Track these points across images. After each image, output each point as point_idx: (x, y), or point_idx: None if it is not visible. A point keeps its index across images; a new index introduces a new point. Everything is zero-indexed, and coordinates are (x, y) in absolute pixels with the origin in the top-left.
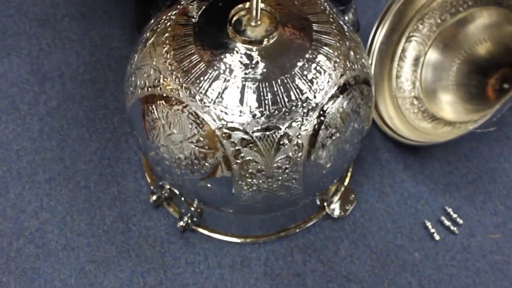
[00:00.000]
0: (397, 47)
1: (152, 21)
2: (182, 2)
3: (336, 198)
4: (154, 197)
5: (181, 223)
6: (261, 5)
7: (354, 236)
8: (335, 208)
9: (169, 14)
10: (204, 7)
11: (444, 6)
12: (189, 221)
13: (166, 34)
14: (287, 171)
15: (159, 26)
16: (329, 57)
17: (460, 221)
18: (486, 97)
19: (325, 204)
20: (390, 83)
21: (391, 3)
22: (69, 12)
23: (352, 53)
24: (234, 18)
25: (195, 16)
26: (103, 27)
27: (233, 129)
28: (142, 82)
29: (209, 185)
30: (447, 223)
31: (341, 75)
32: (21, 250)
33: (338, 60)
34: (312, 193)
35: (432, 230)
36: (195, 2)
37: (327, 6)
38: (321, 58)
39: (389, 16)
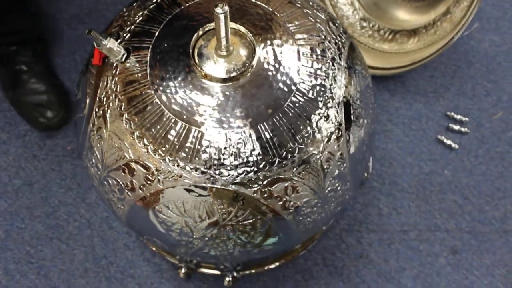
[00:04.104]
0: None
1: (87, 101)
2: (114, 63)
3: None
4: (184, 270)
5: (228, 279)
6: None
7: (386, 188)
8: None
9: (106, 86)
10: (148, 56)
11: None
12: (235, 273)
13: (125, 115)
14: (339, 188)
15: (105, 108)
16: (318, 45)
17: (465, 118)
18: None
19: None
20: None
21: None
22: None
23: (331, 23)
24: (196, 51)
25: (145, 73)
26: None
27: (272, 183)
28: (128, 183)
29: (265, 248)
30: (456, 127)
31: (339, 55)
32: None
33: (328, 43)
34: (359, 184)
35: (448, 142)
36: (131, 57)
37: None
38: (315, 51)
39: None
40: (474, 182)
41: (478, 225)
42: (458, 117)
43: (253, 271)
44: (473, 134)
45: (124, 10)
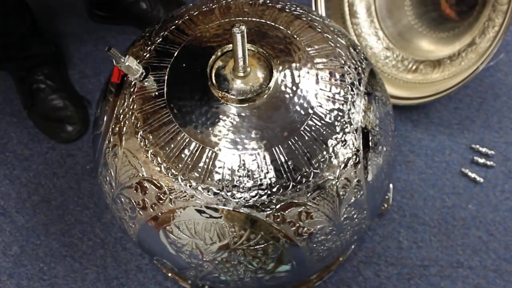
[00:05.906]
0: (342, 5)
1: (105, 118)
2: (133, 82)
3: None
4: None
5: None
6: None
7: (406, 221)
8: None
9: (123, 104)
10: (166, 75)
11: None
12: None
13: (140, 133)
14: (356, 216)
15: (121, 124)
16: (337, 69)
17: (491, 151)
18: (447, 16)
19: None
20: None
21: None
22: None
23: (351, 49)
24: (214, 72)
25: (162, 92)
26: None
27: (285, 208)
28: (140, 202)
29: (277, 275)
30: (481, 160)
31: (359, 80)
32: None
33: (348, 68)
34: (376, 214)
35: (472, 175)
36: (149, 76)
37: (296, 8)
38: (334, 76)
39: None
40: (499, 218)
41: (504, 263)
42: (484, 150)
43: None
44: (499, 168)
45: (146, 30)
